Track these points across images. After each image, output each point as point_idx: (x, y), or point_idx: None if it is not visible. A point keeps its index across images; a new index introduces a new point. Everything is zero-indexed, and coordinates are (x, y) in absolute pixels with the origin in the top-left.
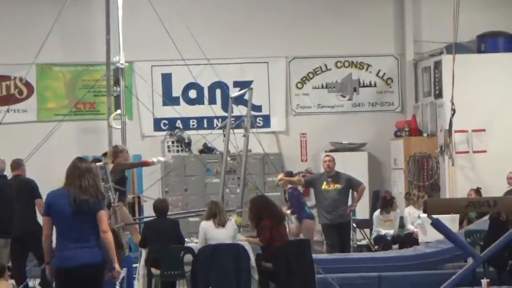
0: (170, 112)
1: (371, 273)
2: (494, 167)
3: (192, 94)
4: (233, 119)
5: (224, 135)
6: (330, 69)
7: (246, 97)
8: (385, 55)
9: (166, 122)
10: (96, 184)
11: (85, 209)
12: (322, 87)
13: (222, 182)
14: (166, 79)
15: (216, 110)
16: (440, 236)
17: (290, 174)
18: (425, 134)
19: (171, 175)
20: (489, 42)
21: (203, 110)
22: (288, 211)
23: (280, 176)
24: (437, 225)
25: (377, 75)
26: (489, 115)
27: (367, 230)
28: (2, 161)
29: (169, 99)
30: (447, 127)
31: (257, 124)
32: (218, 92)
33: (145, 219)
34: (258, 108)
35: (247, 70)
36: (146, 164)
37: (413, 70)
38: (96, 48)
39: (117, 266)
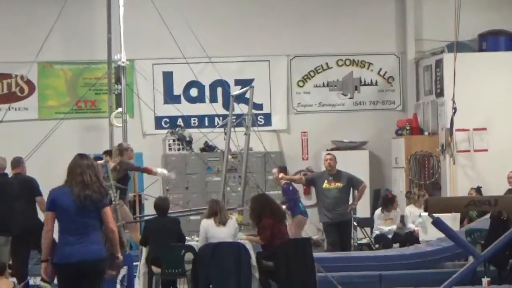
0: (171, 110)
1: (372, 271)
2: (495, 166)
3: (193, 92)
4: (234, 117)
5: (225, 134)
6: (331, 68)
7: (247, 95)
8: (386, 53)
9: (167, 120)
10: (98, 180)
11: (89, 205)
12: (323, 86)
13: (223, 180)
14: (167, 77)
15: (217, 108)
16: (441, 235)
17: (284, 169)
18: (426, 133)
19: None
20: (491, 41)
21: (204, 108)
22: (284, 206)
23: (275, 170)
24: (438, 224)
25: (378, 73)
26: (490, 114)
27: (368, 229)
28: (3, 159)
29: (170, 97)
30: (448, 126)
31: (258, 122)
32: (219, 90)
33: (146, 218)
34: (259, 106)
35: (248, 68)
36: (150, 172)
37: (414, 69)
38: (97, 46)
39: (120, 256)
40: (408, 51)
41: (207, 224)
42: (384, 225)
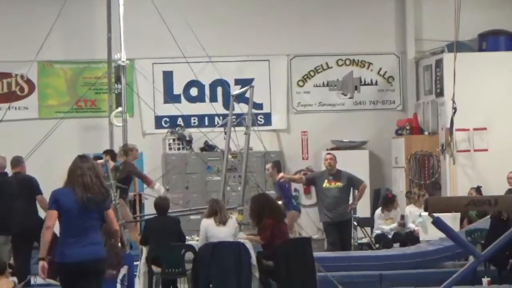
0: (171, 109)
1: (372, 271)
2: (495, 166)
3: (193, 91)
4: (234, 117)
5: (225, 133)
6: (331, 67)
7: (247, 95)
8: (386, 53)
9: (167, 119)
10: (99, 181)
11: (91, 207)
12: (323, 85)
13: (223, 180)
14: (167, 77)
15: (217, 108)
16: (442, 234)
17: (278, 164)
18: (426, 133)
19: (172, 173)
20: (491, 41)
21: (204, 107)
22: (280, 202)
23: (269, 166)
24: (438, 224)
25: (378, 73)
26: (490, 114)
27: (368, 228)
28: (3, 158)
29: (170, 97)
30: (448, 126)
31: (258, 122)
32: (219, 90)
33: (146, 217)
34: (259, 106)
35: (249, 68)
36: (149, 184)
37: (414, 69)
38: (97, 45)
39: (120, 246)
40: (408, 51)
41: (207, 224)
42: (385, 225)
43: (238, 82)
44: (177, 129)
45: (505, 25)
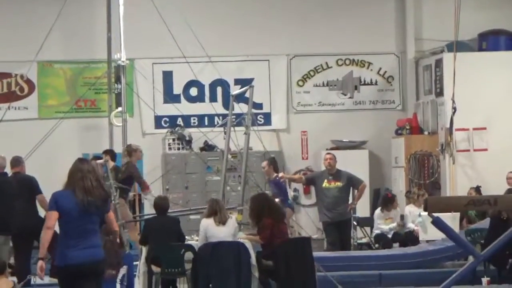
0: (171, 109)
1: (371, 271)
2: (494, 166)
3: (193, 91)
4: (234, 116)
5: (225, 133)
6: (331, 67)
7: (247, 95)
8: (386, 53)
9: (167, 119)
10: (100, 184)
11: (92, 210)
12: (323, 85)
13: (223, 179)
14: (167, 77)
15: (217, 107)
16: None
17: (274, 161)
18: (426, 132)
19: (172, 173)
20: (491, 40)
21: (204, 107)
22: (277, 200)
23: (265, 163)
24: (438, 223)
25: (378, 73)
26: (490, 114)
27: (367, 228)
28: (3, 158)
29: (170, 97)
30: (448, 125)
31: (258, 122)
32: (219, 89)
33: (146, 217)
34: (259, 106)
35: (248, 67)
36: (146, 188)
37: (414, 68)
38: (97, 45)
39: (119, 240)
40: (408, 50)
41: (207, 224)
42: (384, 225)
43: (238, 82)
44: (176, 129)
45: (505, 25)
